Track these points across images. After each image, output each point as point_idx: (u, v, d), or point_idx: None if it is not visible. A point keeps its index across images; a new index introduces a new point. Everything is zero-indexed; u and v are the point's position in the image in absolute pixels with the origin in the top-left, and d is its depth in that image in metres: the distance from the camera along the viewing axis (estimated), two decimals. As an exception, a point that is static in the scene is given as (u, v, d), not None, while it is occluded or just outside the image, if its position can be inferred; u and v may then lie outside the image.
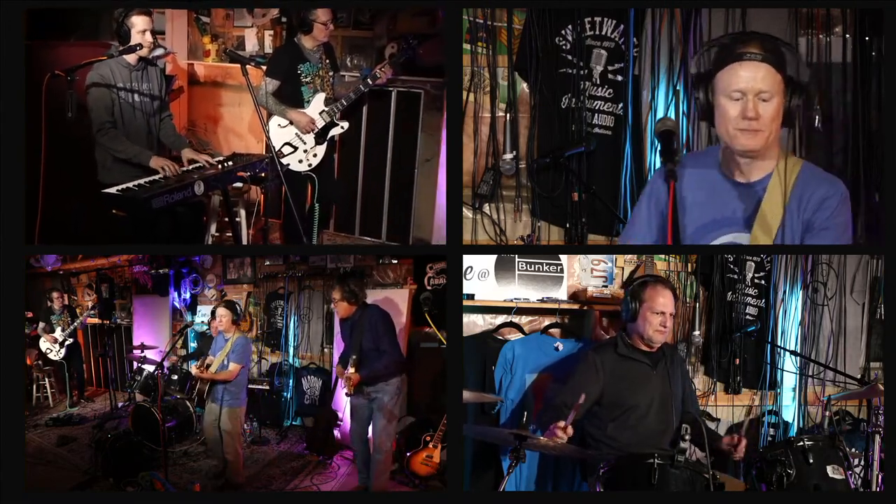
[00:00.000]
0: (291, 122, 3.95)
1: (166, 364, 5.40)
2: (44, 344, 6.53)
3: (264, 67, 3.96)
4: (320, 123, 3.96)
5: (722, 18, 3.53)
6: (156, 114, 3.56)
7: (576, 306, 3.62)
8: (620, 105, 3.64)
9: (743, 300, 3.84)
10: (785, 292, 3.84)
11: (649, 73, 3.60)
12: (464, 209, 3.75)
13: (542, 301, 3.58)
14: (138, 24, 3.32)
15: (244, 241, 3.80)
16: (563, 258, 3.65)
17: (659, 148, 2.26)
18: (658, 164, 3.53)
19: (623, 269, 3.79)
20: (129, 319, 7.40)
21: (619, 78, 3.63)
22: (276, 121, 3.97)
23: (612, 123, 3.66)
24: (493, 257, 3.60)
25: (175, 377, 5.81)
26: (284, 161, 3.94)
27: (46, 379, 6.97)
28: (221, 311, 4.29)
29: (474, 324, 3.65)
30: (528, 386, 3.45)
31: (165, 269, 6.90)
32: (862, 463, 3.14)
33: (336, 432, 4.86)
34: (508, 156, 3.69)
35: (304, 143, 3.98)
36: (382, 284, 5.31)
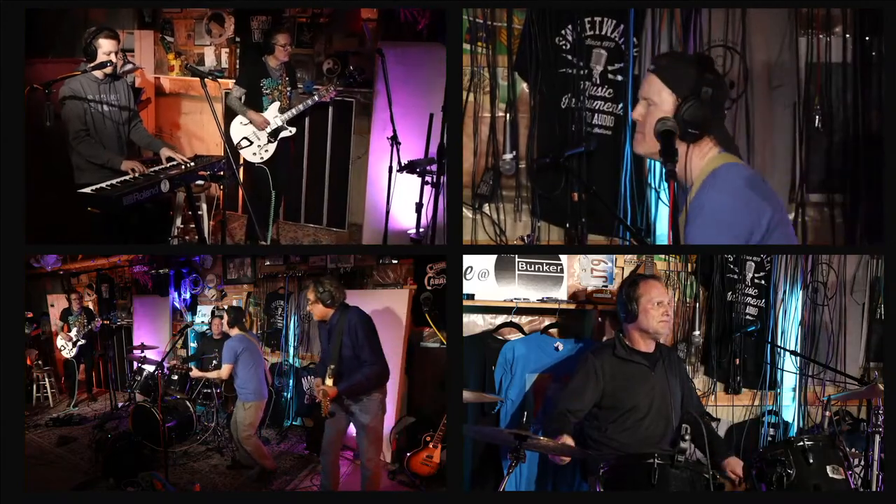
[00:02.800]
0: (251, 121, 4.70)
1: (166, 364, 5.41)
2: (60, 341, 6.85)
3: (220, 80, 4.96)
4: (273, 125, 4.72)
5: (722, 18, 3.53)
6: (125, 123, 3.88)
7: (585, 306, 3.62)
8: (620, 105, 3.63)
9: (743, 300, 3.84)
10: (785, 292, 3.84)
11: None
12: (464, 209, 3.75)
13: (542, 301, 3.58)
14: (104, 45, 3.62)
15: (206, 233, 4.28)
16: (563, 258, 3.65)
17: (659, 148, 2.25)
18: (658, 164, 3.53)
19: (623, 269, 3.79)
20: (129, 320, 7.41)
21: (619, 78, 3.62)
22: (238, 119, 4.74)
23: (612, 123, 3.66)
24: (493, 257, 3.60)
25: (175, 377, 5.81)
26: (242, 153, 4.74)
27: (46, 379, 7.03)
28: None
29: (474, 324, 3.65)
30: (528, 386, 3.45)
31: (165, 269, 6.92)
32: (862, 463, 3.14)
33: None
34: (508, 156, 3.69)
35: (259, 140, 4.74)
36: (382, 284, 5.31)
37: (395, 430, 4.59)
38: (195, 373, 4.96)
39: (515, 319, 3.60)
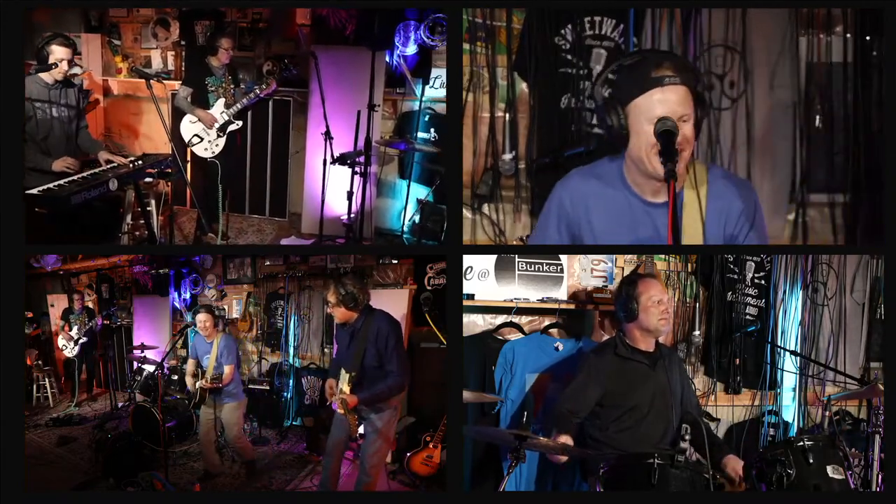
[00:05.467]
0: (199, 119, 4.92)
1: (166, 364, 5.40)
2: (61, 340, 6.84)
3: (167, 82, 5.31)
4: (220, 121, 4.96)
5: (722, 18, 3.53)
6: (72, 123, 3.93)
7: (585, 307, 3.62)
8: (620, 105, 3.63)
9: (743, 300, 3.83)
10: (785, 292, 3.83)
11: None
12: (464, 209, 3.75)
13: (542, 301, 3.58)
14: (57, 52, 3.68)
15: (155, 229, 4.48)
16: (563, 258, 3.65)
17: (659, 148, 2.26)
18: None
19: (623, 269, 3.79)
20: (129, 320, 7.42)
21: (619, 78, 3.62)
22: (188, 118, 4.96)
23: (612, 123, 3.65)
24: (493, 257, 3.60)
25: (175, 377, 5.81)
26: (194, 149, 4.99)
27: (46, 379, 7.04)
28: (202, 316, 4.49)
29: (474, 324, 3.65)
30: (528, 386, 3.45)
31: (165, 269, 6.92)
32: (862, 463, 3.14)
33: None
34: (508, 156, 3.69)
35: (209, 136, 4.97)
36: (382, 284, 5.31)
37: (395, 430, 4.58)
38: (207, 385, 4.46)
39: (515, 319, 3.60)
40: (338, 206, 4.95)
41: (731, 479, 2.77)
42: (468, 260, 3.55)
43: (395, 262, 5.22)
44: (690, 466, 2.53)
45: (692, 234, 2.13)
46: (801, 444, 2.56)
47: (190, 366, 4.60)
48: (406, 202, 5.01)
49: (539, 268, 3.63)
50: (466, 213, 3.76)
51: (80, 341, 6.73)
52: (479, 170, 3.73)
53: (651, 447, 2.71)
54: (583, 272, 3.74)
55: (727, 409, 3.84)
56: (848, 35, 3.53)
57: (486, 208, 3.77)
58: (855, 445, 3.30)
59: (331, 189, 4.80)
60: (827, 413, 3.56)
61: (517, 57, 3.66)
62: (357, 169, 4.67)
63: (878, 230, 3.35)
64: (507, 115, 3.70)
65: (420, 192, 5.06)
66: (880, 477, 2.96)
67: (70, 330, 6.76)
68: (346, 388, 3.16)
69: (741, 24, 3.50)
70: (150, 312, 7.21)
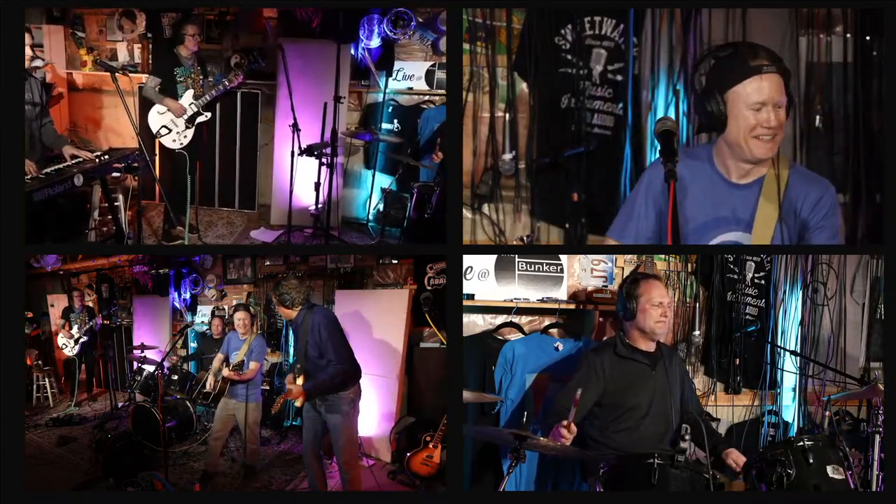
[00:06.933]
0: (168, 109, 4.83)
1: (166, 364, 5.40)
2: (61, 339, 6.85)
3: (133, 75, 5.06)
4: (189, 111, 4.89)
5: (722, 18, 3.53)
6: (37, 119, 3.89)
7: (585, 307, 3.62)
8: (620, 105, 3.63)
9: (743, 300, 3.83)
10: (785, 292, 3.84)
11: (649, 72, 3.60)
12: (464, 209, 3.75)
13: (542, 301, 3.58)
14: None
15: (123, 224, 4.47)
16: (563, 258, 3.65)
17: (659, 148, 2.27)
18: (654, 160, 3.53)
19: (623, 269, 3.78)
20: (129, 319, 7.42)
21: (619, 78, 3.62)
22: (156, 108, 4.86)
23: (612, 123, 3.66)
24: (493, 257, 3.60)
25: (175, 377, 5.81)
26: (162, 140, 4.90)
27: (46, 379, 7.04)
28: (240, 314, 4.68)
29: (474, 324, 3.65)
30: (528, 386, 3.45)
31: (165, 269, 6.92)
32: (862, 463, 3.14)
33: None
34: (507, 156, 3.69)
35: (177, 127, 4.89)
36: (382, 284, 5.31)
37: (395, 430, 4.59)
38: (228, 374, 4.59)
39: (515, 319, 3.60)
40: (306, 196, 5.04)
41: (732, 470, 2.77)
42: (468, 260, 3.55)
43: (395, 262, 5.22)
44: (690, 466, 2.53)
45: (768, 214, 2.36)
46: (801, 444, 2.57)
47: (217, 361, 4.69)
48: (371, 191, 5.18)
49: (539, 268, 3.63)
50: (466, 213, 3.76)
51: (81, 340, 6.73)
52: (479, 170, 3.74)
53: (650, 448, 2.71)
54: (583, 272, 3.74)
55: (727, 409, 3.85)
56: (848, 35, 3.53)
57: (486, 208, 3.77)
58: (855, 445, 3.30)
59: (299, 180, 4.87)
60: (827, 413, 3.56)
61: (517, 57, 3.67)
62: (324, 160, 4.76)
63: (878, 230, 3.35)
64: (507, 115, 3.70)
65: (384, 181, 5.22)
66: (880, 477, 2.96)
67: (70, 328, 6.76)
68: (299, 381, 3.36)
69: (741, 24, 3.50)
70: (150, 312, 7.21)
